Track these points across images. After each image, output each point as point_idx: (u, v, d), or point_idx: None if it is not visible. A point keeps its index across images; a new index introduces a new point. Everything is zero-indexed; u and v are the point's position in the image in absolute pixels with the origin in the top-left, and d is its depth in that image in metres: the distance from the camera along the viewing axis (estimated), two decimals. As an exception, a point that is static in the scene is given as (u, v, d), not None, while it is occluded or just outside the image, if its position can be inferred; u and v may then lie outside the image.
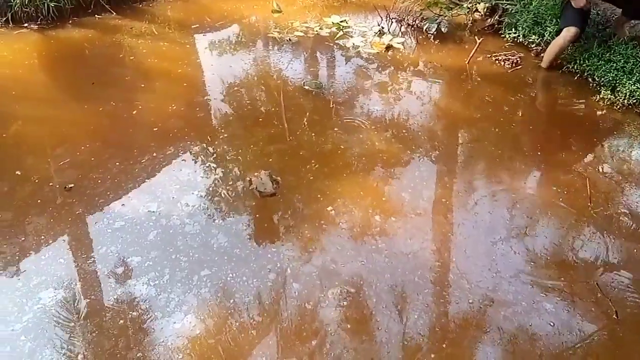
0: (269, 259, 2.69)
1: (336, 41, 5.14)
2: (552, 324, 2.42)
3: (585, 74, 4.42)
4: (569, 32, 4.34)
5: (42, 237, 2.82)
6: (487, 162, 3.55)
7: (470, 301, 2.51)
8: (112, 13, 5.54)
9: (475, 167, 3.53)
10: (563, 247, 2.86)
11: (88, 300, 2.47)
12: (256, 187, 3.07)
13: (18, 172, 3.26)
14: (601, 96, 4.18)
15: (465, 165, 3.54)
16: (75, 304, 2.45)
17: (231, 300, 2.46)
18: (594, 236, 2.94)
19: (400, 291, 2.56)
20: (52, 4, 5.18)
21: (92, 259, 2.69)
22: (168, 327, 2.33)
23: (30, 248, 2.75)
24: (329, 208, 3.05)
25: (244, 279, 2.57)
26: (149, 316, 2.39)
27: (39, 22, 5.18)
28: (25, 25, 5.16)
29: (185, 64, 4.69)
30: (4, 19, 5.16)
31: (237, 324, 2.36)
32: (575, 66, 4.49)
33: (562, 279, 2.66)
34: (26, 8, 5.15)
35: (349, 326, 2.39)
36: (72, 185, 3.16)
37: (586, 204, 3.14)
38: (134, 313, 2.41)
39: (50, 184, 3.20)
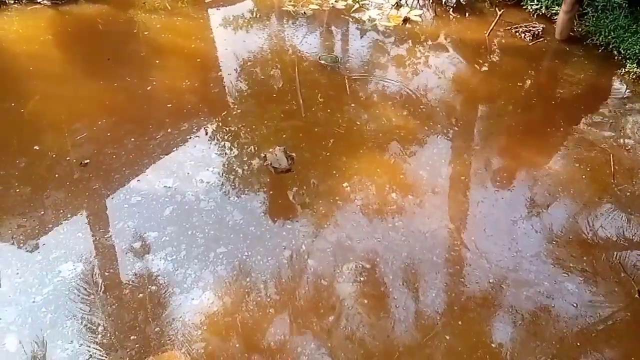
0: (284, 236, 2.68)
1: (352, 14, 5.03)
2: (575, 305, 2.37)
3: (610, 47, 4.28)
4: (564, 4, 4.29)
5: (61, 211, 2.84)
6: (508, 139, 3.47)
7: (491, 281, 2.47)
8: (125, -13, 5.47)
9: (495, 143, 3.45)
10: (585, 225, 2.79)
11: (107, 273, 2.49)
12: (271, 163, 3.04)
13: (36, 147, 3.28)
14: (626, 70, 4.05)
15: (485, 142, 3.46)
16: (95, 277, 2.47)
17: (247, 279, 2.46)
18: (617, 214, 2.86)
19: (417, 269, 2.53)
20: (65, -21, 5.14)
21: (110, 233, 2.70)
22: (186, 303, 2.34)
23: (49, 222, 2.77)
24: (345, 184, 3.02)
25: (259, 258, 2.56)
26: (167, 291, 2.40)
27: (52, -2, 5.15)
28: (39, 1, 5.12)
29: (199, 39, 4.63)
30: (18, -5, 5.13)
31: (254, 301, 2.36)
32: (600, 38, 4.34)
33: (585, 258, 2.60)
34: (40, -17, 5.12)
35: (365, 301, 2.38)
36: (88, 160, 3.16)
37: (610, 180, 3.06)
38: (153, 287, 2.42)
39: (67, 158, 3.21)
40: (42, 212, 2.83)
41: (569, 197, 2.99)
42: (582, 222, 2.81)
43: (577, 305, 2.37)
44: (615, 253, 2.64)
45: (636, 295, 2.41)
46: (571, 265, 2.55)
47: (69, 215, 2.82)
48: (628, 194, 2.99)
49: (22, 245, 2.64)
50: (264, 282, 2.44)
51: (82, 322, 2.27)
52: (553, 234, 2.73)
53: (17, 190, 2.96)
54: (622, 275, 2.51)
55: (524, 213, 2.86)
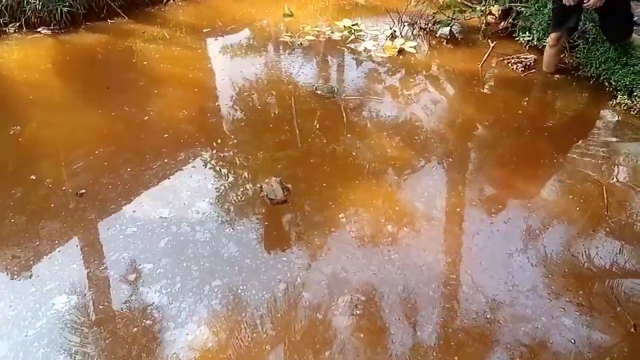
0: (279, 269, 2.67)
1: (348, 45, 5.12)
2: (572, 341, 2.35)
3: (602, 78, 4.35)
4: (549, 38, 4.41)
5: (56, 241, 2.83)
6: (501, 170, 3.50)
7: (488, 316, 2.45)
8: (125, 17, 5.57)
9: (490, 174, 3.48)
10: (580, 258, 2.80)
11: (101, 306, 2.47)
12: (267, 195, 3.06)
13: (33, 177, 3.28)
14: (617, 101, 4.11)
15: (479, 173, 3.49)
16: (88, 311, 2.44)
17: (243, 314, 2.43)
18: (612, 246, 2.87)
19: (414, 304, 2.52)
20: (65, 9, 5.23)
21: (105, 265, 2.69)
22: (180, 339, 2.32)
23: (44, 253, 2.76)
24: (341, 215, 3.03)
25: (255, 292, 2.53)
26: (161, 326, 2.37)
27: (52, 27, 5.24)
28: (39, 30, 5.21)
29: (197, 68, 4.69)
30: (18, 24, 5.22)
31: (250, 337, 2.34)
32: (591, 70, 4.42)
33: (580, 292, 2.59)
34: (39, 13, 5.21)
35: (361, 336, 2.36)
36: (84, 190, 3.17)
37: (603, 212, 3.08)
38: (147, 321, 2.40)
39: (64, 188, 3.22)
40: (37, 243, 2.82)
41: (564, 229, 3.01)
42: (577, 255, 2.82)
43: (574, 341, 2.35)
44: (610, 286, 2.64)
45: (632, 330, 2.41)
46: (567, 299, 2.55)
47: (63, 246, 2.81)
48: (621, 225, 3.01)
49: (16, 276, 2.62)
50: (260, 317, 2.42)
51: (74, 357, 2.24)
52: (549, 267, 2.73)
53: (12, 220, 2.96)
54: (618, 309, 2.50)
55: (520, 246, 2.87)
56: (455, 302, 2.54)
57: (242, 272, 2.65)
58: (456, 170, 3.49)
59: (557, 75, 4.54)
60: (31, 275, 2.63)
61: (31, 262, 2.69)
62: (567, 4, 4.02)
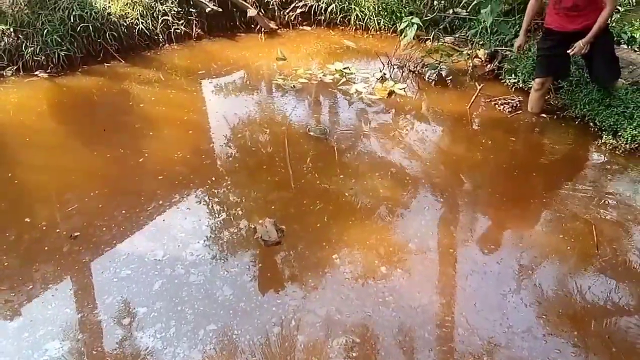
0: (273, 312, 2.66)
1: (339, 87, 5.24)
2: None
3: (587, 119, 4.47)
4: (534, 82, 4.61)
5: (49, 285, 2.82)
6: (492, 210, 3.55)
7: (485, 359, 2.44)
8: (121, 61, 5.69)
9: (481, 214, 3.53)
10: (574, 298, 2.82)
11: (95, 352, 2.44)
12: (261, 236, 3.07)
13: (27, 219, 3.29)
14: (603, 141, 4.22)
15: (471, 213, 3.54)
16: (82, 356, 2.41)
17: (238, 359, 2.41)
18: (604, 285, 2.90)
19: (409, 346, 2.51)
20: (62, 53, 5.34)
21: (98, 309, 2.68)
22: (174, 384, 2.29)
23: (37, 296, 2.75)
24: (334, 256, 3.04)
25: (249, 337, 2.52)
26: (154, 372, 2.35)
27: (49, 71, 5.33)
28: (36, 73, 5.31)
29: (192, 110, 4.78)
30: (15, 67, 5.31)
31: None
32: (576, 111, 4.55)
33: (575, 332, 2.60)
34: (37, 57, 5.33)
35: (357, 381, 2.35)
36: (78, 233, 3.17)
37: (594, 251, 3.12)
38: (140, 368, 2.37)
39: (58, 230, 3.22)
40: (31, 286, 2.81)
41: (556, 268, 3.04)
42: (571, 294, 2.84)
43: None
44: (605, 326, 2.65)
45: (626, 370, 2.42)
46: (563, 340, 2.55)
47: (57, 290, 2.80)
48: (612, 264, 3.04)
49: (9, 321, 2.60)
50: (256, 360, 2.41)
51: (66, 405, 2.21)
52: (543, 308, 2.74)
53: (6, 264, 2.95)
54: (614, 349, 2.51)
55: (513, 286, 2.89)
56: (451, 344, 2.54)
57: (237, 315, 2.64)
58: (448, 210, 3.54)
59: (543, 115, 4.67)
60: (24, 319, 2.60)
61: (24, 307, 2.67)
62: (580, 52, 4.15)
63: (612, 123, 4.26)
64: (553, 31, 4.33)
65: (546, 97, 4.74)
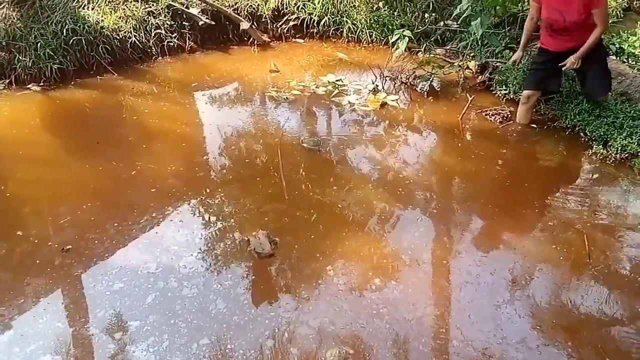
0: (266, 325, 2.65)
1: (332, 99, 5.26)
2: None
3: (577, 129, 4.52)
4: (522, 95, 4.68)
5: (41, 299, 2.80)
6: (485, 221, 3.56)
7: (481, 371, 2.45)
8: (114, 74, 5.69)
9: (474, 225, 3.54)
10: (567, 308, 2.83)
11: (85, 368, 2.43)
12: (254, 248, 3.06)
13: (19, 233, 3.28)
14: (593, 151, 4.26)
15: (463, 224, 3.55)
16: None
17: None
18: (596, 294, 2.92)
19: (404, 358, 2.50)
20: (55, 66, 5.34)
21: (90, 323, 2.66)
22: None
23: (28, 310, 2.72)
24: (328, 268, 3.04)
25: (242, 352, 2.50)
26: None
27: (41, 84, 5.32)
28: (29, 86, 5.29)
29: (185, 123, 4.78)
30: (7, 80, 5.30)
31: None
32: (567, 121, 4.60)
33: (569, 343, 2.60)
34: (29, 70, 5.31)
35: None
36: (70, 246, 3.16)
37: (586, 260, 3.14)
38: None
39: (49, 243, 3.20)
40: (22, 300, 2.79)
41: (549, 278, 3.05)
42: (563, 305, 2.85)
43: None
44: (598, 336, 2.66)
45: (619, 380, 2.43)
46: (557, 351, 2.56)
47: (49, 304, 2.78)
48: (604, 273, 3.06)
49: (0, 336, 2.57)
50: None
51: (57, 422, 2.18)
52: (536, 318, 2.75)
53: (-4, 279, 2.93)
54: (607, 359, 2.52)
55: (507, 297, 2.89)
56: (446, 356, 2.53)
57: (230, 329, 2.63)
58: (440, 221, 3.55)
59: (533, 125, 4.71)
60: (15, 334, 2.58)
61: (15, 321, 2.65)
62: (572, 67, 4.27)
63: (602, 133, 4.30)
64: (548, 50, 4.42)
65: (536, 108, 4.79)
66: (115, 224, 3.37)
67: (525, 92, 4.62)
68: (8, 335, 2.57)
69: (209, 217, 3.50)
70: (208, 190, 3.81)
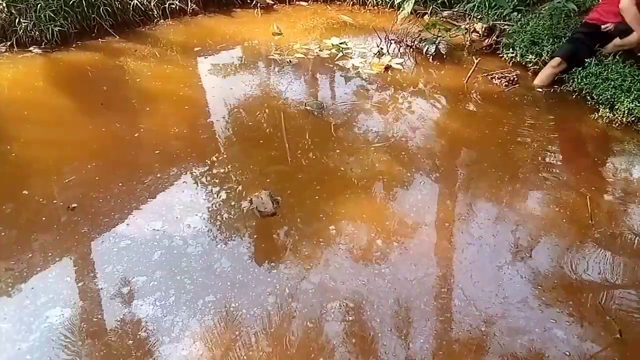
0: (268, 282, 2.69)
1: (336, 62, 5.21)
2: (568, 353, 2.38)
3: (584, 93, 4.48)
4: (553, 60, 4.66)
5: (49, 254, 2.84)
6: (488, 184, 3.56)
7: (482, 329, 2.48)
8: (116, 37, 5.63)
9: (477, 188, 3.54)
10: (568, 269, 2.85)
11: (95, 319, 2.47)
12: (257, 207, 3.09)
13: (25, 192, 3.30)
14: (600, 114, 4.23)
15: (466, 187, 3.55)
16: (82, 323, 2.45)
17: (236, 331, 2.43)
18: (599, 256, 2.94)
19: (406, 316, 2.54)
20: (56, 29, 5.28)
21: (98, 277, 2.70)
22: (175, 354, 2.32)
23: (37, 265, 2.77)
24: (331, 227, 3.06)
25: (246, 311, 2.53)
26: (156, 339, 2.38)
27: (43, 46, 5.28)
28: (30, 49, 5.25)
29: (188, 86, 4.75)
30: (9, 43, 5.26)
31: (245, 355, 2.33)
32: (573, 85, 4.56)
33: (570, 302, 2.63)
34: (31, 32, 5.26)
35: (353, 346, 2.38)
36: (76, 205, 3.18)
37: (588, 223, 3.15)
38: (142, 334, 2.40)
39: (55, 202, 3.23)
40: (30, 255, 2.83)
41: (551, 241, 3.06)
42: (565, 266, 2.87)
43: (570, 353, 2.38)
44: (599, 295, 2.69)
45: (617, 336, 2.46)
46: (558, 310, 2.59)
47: (57, 259, 2.82)
48: (607, 235, 3.07)
49: (10, 289, 2.63)
50: (254, 334, 2.42)
51: (67, 372, 2.25)
52: (538, 279, 2.77)
53: (3, 234, 2.96)
54: (607, 318, 2.55)
55: (509, 258, 2.91)
56: (448, 314, 2.57)
57: (235, 287, 2.66)
58: (443, 185, 3.56)
59: (539, 89, 4.66)
60: (25, 288, 2.63)
61: (25, 275, 2.70)
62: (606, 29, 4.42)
63: (609, 96, 4.26)
64: (596, 24, 4.54)
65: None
66: (120, 184, 3.39)
67: (558, 59, 4.60)
68: (18, 288, 2.62)
69: (212, 179, 3.51)
70: (211, 152, 3.81)
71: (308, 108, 4.36)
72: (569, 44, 4.66)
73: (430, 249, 2.99)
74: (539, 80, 4.71)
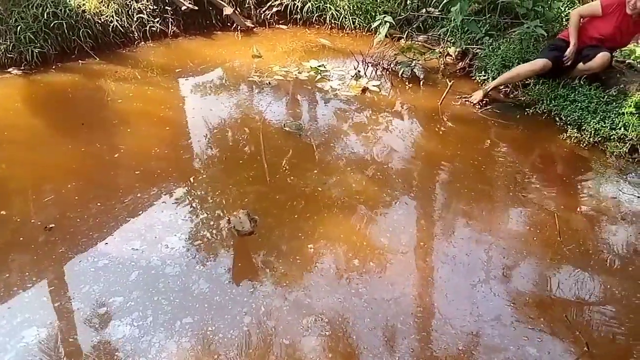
0: (244, 302, 2.71)
1: (315, 84, 5.32)
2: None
3: (552, 114, 4.65)
4: (538, 61, 4.80)
5: (26, 274, 2.84)
6: (462, 203, 3.64)
7: (460, 347, 2.53)
8: (96, 58, 5.68)
9: (451, 208, 3.62)
10: (539, 285, 2.93)
11: (71, 339, 2.47)
12: (234, 226, 3.11)
13: (3, 212, 3.30)
14: (568, 134, 4.39)
15: (441, 207, 3.63)
16: (58, 344, 2.44)
17: (215, 356, 2.43)
18: (568, 272, 3.02)
19: (383, 335, 2.58)
20: (36, 50, 5.30)
21: (75, 297, 2.70)
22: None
23: (14, 285, 2.77)
24: (309, 246, 3.11)
25: (223, 335, 2.54)
26: None
27: (22, 68, 5.29)
28: (9, 70, 5.26)
29: (169, 107, 4.80)
30: (-13, 64, 5.25)
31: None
32: (542, 106, 4.73)
33: (542, 319, 2.71)
34: (10, 54, 5.28)
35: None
36: (53, 225, 3.19)
37: (558, 241, 3.25)
38: (119, 355, 2.40)
39: (33, 221, 3.24)
40: (7, 275, 2.83)
41: (522, 258, 3.14)
42: (536, 283, 2.95)
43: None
44: (568, 310, 2.77)
45: (585, 349, 2.54)
46: (529, 327, 2.66)
47: (34, 279, 2.82)
48: (576, 252, 3.17)
49: (-14, 308, 2.62)
50: (232, 357, 2.44)
51: (42, 393, 2.24)
52: (511, 296, 2.85)
53: (-20, 255, 2.95)
54: (577, 332, 2.63)
55: (482, 277, 2.98)
56: (425, 333, 2.61)
57: (212, 309, 2.67)
58: (419, 205, 3.64)
59: (511, 111, 4.82)
60: (1, 307, 2.62)
61: (1, 295, 2.69)
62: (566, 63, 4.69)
63: (576, 117, 4.44)
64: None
65: (513, 94, 4.91)
66: (99, 204, 3.40)
67: (542, 61, 4.75)
68: (-6, 308, 2.62)
69: (192, 198, 3.55)
70: (191, 173, 3.85)
71: (287, 129, 4.44)
72: (550, 52, 4.83)
73: (406, 268, 3.05)
74: (522, 77, 4.89)
